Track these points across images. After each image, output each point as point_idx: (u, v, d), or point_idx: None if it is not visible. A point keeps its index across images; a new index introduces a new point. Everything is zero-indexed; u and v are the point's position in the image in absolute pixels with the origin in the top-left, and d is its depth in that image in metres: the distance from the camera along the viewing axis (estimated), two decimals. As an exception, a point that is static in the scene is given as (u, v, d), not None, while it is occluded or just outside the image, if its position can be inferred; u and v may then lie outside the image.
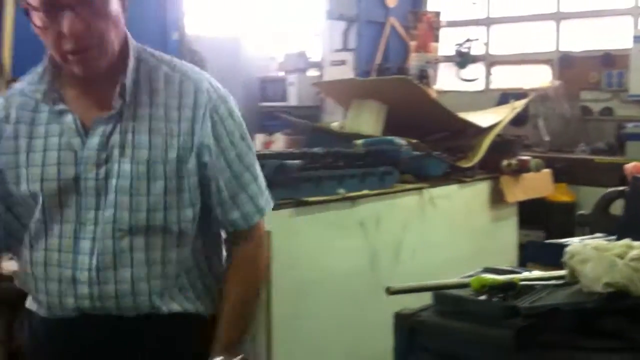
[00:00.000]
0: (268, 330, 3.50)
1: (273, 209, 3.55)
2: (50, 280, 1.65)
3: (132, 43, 1.71)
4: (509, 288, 1.60)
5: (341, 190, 3.74)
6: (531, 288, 1.64)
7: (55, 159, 1.62)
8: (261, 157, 3.61)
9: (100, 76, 1.63)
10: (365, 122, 4.60)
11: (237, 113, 1.78)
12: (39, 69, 1.72)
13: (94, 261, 1.60)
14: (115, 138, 1.62)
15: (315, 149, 3.92)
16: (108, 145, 1.62)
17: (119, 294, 1.61)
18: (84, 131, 1.63)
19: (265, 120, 7.96)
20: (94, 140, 1.62)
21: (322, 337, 3.74)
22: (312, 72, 8.40)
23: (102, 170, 1.61)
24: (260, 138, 7.12)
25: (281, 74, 8.53)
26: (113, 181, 1.61)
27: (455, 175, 4.58)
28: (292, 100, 8.13)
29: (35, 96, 1.67)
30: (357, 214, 3.88)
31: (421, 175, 4.32)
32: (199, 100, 1.68)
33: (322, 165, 3.81)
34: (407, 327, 1.63)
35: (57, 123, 1.64)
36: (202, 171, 1.69)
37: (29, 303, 1.74)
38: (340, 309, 3.83)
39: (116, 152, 1.62)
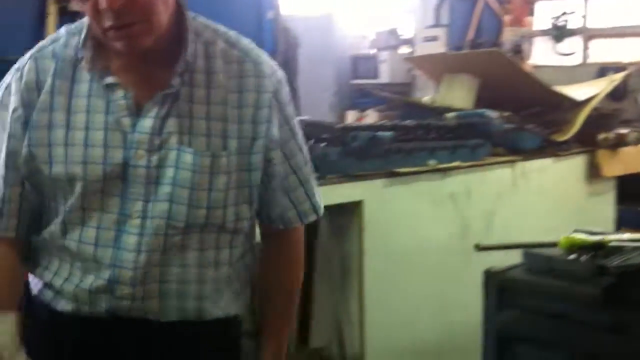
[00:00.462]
0: (360, 299, 3.60)
1: (365, 180, 3.71)
2: (83, 275, 1.44)
3: (188, 14, 1.47)
4: (598, 248, 1.62)
5: (432, 162, 3.79)
6: (620, 249, 1.66)
7: (101, 140, 1.40)
8: (353, 129, 3.74)
9: (151, 51, 1.41)
10: (457, 95, 4.61)
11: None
12: (73, 29, 1.48)
13: (141, 259, 1.40)
14: (172, 122, 1.41)
15: (407, 122, 3.98)
16: (163, 129, 1.41)
17: (165, 296, 1.43)
18: (135, 111, 1.42)
19: (356, 97, 8.04)
20: (147, 123, 1.41)
21: (413, 305, 3.81)
22: (404, 49, 8.39)
23: (155, 158, 1.41)
24: (352, 115, 7.21)
25: (373, 51, 8.56)
26: (169, 171, 1.41)
27: (549, 149, 4.53)
28: (384, 78, 8.16)
29: (75, 62, 1.44)
30: (448, 185, 3.92)
31: (514, 148, 4.30)
32: (262, 83, 1.48)
33: (414, 137, 3.87)
34: (496, 284, 1.68)
35: (102, 97, 1.42)
36: (264, 164, 1.50)
37: (47, 295, 1.50)
38: (431, 279, 3.89)
39: (173, 138, 1.41)
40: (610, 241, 1.66)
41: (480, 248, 1.71)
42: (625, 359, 1.50)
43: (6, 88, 1.47)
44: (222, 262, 1.47)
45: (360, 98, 7.77)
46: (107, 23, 1.33)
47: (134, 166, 1.41)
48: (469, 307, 3.85)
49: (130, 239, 1.40)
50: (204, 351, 1.50)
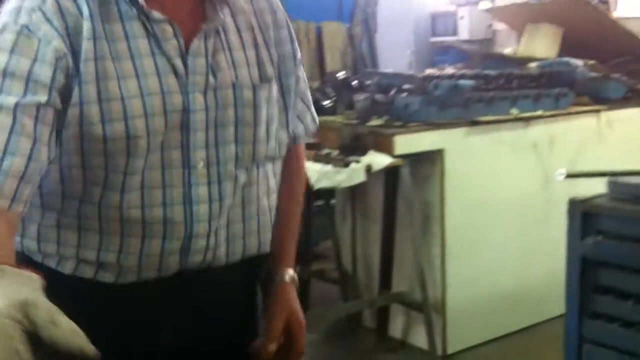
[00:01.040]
0: (442, 246, 3.67)
1: (446, 128, 3.74)
2: (143, 242, 1.26)
3: None
4: (685, 175, 1.64)
5: (514, 111, 3.79)
6: None
7: (158, 87, 1.21)
8: (435, 78, 3.77)
9: None
10: (540, 45, 4.56)
11: None
12: None
13: (214, 209, 1.28)
14: (221, 58, 1.29)
15: (488, 71, 3.97)
16: (214, 67, 1.28)
17: (233, 238, 1.34)
18: (185, 49, 1.25)
19: (436, 55, 7.99)
20: (200, 62, 1.26)
21: (494, 254, 3.85)
22: (484, 5, 8.25)
23: (212, 99, 1.27)
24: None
25: (452, 8, 8.46)
26: (230, 111, 1.29)
27: (635, 99, 4.44)
28: (463, 34, 8.05)
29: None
30: (530, 134, 3.91)
31: (598, 97, 4.23)
32: (272, 2, 1.40)
33: (495, 87, 3.87)
34: (581, 211, 1.72)
35: (146, 37, 1.23)
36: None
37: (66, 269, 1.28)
38: (512, 228, 3.92)
39: (227, 76, 1.29)
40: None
41: (567, 176, 1.75)
42: None
43: (29, 30, 1.16)
44: (272, 190, 1.42)
45: (439, 55, 7.72)
46: None
47: (194, 111, 1.24)
48: (549, 257, 3.87)
49: (199, 191, 1.26)
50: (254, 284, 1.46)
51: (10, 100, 1.10)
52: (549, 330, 3.77)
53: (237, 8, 1.33)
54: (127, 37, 1.21)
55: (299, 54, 1.44)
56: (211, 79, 1.26)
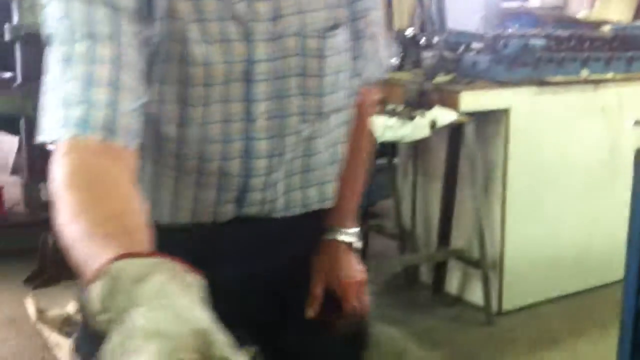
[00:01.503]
0: (503, 206, 3.67)
1: (513, 87, 3.72)
2: (202, 190, 1.21)
3: None
4: None
5: (585, 72, 3.73)
6: None
7: (218, 34, 1.14)
8: (505, 37, 3.74)
9: None
10: (614, 10, 4.46)
11: None
12: None
13: (273, 163, 1.22)
14: (287, 2, 1.18)
15: (560, 31, 3.92)
16: (279, 12, 1.17)
17: (291, 191, 1.28)
18: None
19: (506, 20, 7.85)
20: (263, 7, 1.15)
21: (555, 216, 3.84)
22: (558, -30, 8.05)
23: (278, 48, 1.17)
24: (499, 37, 7.08)
25: (524, -27, 8.28)
26: (294, 60, 1.19)
27: None
28: (534, 1, 7.91)
29: None
30: (599, 98, 3.85)
31: (674, 63, 4.12)
32: None
33: (566, 47, 3.82)
34: (647, 158, 1.74)
35: None
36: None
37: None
38: (575, 192, 3.89)
39: (293, 22, 1.18)
40: None
41: (636, 122, 1.75)
42: None
43: None
44: (339, 141, 1.33)
45: (510, 21, 7.60)
46: None
47: (257, 61, 1.15)
48: (613, 222, 3.83)
49: (260, 145, 1.19)
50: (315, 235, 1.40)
51: (106, 30, 1.01)
52: (608, 294, 3.75)
53: None
54: None
55: None
56: (277, 25, 1.16)
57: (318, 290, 1.36)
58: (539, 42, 3.62)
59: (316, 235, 1.39)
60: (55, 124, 0.96)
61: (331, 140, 1.30)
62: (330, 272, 1.37)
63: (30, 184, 4.81)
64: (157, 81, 1.11)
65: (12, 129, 6.67)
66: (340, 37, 1.23)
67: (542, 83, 3.66)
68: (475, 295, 3.80)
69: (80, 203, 0.87)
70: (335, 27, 1.22)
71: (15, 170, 6.24)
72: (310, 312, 1.35)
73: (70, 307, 3.72)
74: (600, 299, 3.85)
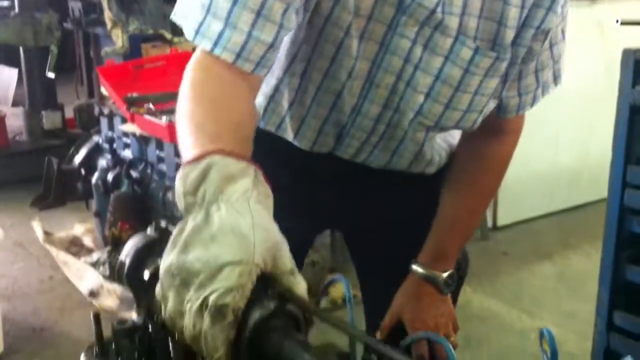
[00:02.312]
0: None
1: None
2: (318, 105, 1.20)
3: None
4: None
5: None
6: None
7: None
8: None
9: None
10: None
11: None
12: None
13: (375, 129, 1.22)
14: (459, 1, 1.10)
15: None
16: (446, 6, 1.09)
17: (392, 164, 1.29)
18: None
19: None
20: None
21: (552, 132, 3.87)
22: None
23: (425, 37, 1.11)
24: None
25: None
26: (436, 60, 1.12)
27: None
28: None
29: None
30: (596, 14, 3.84)
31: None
32: None
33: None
34: (633, 59, 1.77)
35: None
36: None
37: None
38: (572, 108, 3.91)
39: (454, 21, 1.10)
40: None
41: (622, 23, 1.78)
42: None
43: None
44: (444, 147, 1.31)
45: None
46: None
47: (400, 35, 1.09)
48: (608, 140, 3.86)
49: (371, 111, 1.17)
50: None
51: None
52: (601, 209, 3.81)
53: None
54: None
55: (560, 31, 1.18)
56: (436, 16, 1.07)
57: (385, 325, 1.33)
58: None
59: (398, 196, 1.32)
60: (193, 22, 0.97)
61: (439, 144, 1.28)
62: (394, 308, 1.33)
63: (31, 113, 4.86)
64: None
65: (11, 60, 6.70)
66: (496, 62, 1.12)
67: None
68: (471, 211, 3.87)
69: (205, 111, 0.92)
70: (494, 48, 1.11)
71: (16, 102, 6.29)
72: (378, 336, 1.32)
73: (76, 229, 3.83)
74: (592, 214, 3.92)
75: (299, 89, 1.17)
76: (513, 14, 1.09)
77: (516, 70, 1.16)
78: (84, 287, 3.20)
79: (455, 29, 1.09)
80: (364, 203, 1.34)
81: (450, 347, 1.08)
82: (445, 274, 1.30)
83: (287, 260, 0.75)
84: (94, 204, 3.36)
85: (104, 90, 3.46)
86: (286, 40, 1.11)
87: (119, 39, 4.15)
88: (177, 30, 4.35)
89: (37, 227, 3.75)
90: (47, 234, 3.74)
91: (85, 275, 3.27)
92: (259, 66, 0.98)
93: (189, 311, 0.71)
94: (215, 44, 0.95)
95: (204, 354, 0.71)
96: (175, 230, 0.76)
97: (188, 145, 0.86)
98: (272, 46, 0.98)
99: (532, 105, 1.26)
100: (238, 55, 0.96)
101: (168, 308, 0.73)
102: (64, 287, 3.27)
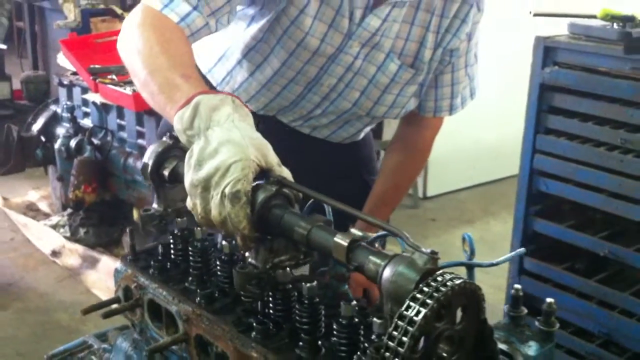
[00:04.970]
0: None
1: None
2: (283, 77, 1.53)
3: None
4: (629, 20, 2.02)
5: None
6: None
7: (330, 20, 1.44)
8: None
9: None
10: None
11: None
12: None
13: (313, 112, 1.57)
14: (394, 27, 1.47)
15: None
16: (384, 31, 1.46)
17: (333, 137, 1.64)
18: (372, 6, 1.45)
19: None
20: (374, 22, 1.45)
21: (474, 113, 4.10)
22: None
23: (365, 52, 1.48)
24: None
25: None
26: (371, 69, 1.50)
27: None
28: None
29: None
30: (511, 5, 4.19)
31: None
32: None
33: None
34: (543, 45, 2.12)
35: None
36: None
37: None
38: (494, 87, 4.19)
39: (387, 43, 1.48)
40: (642, 17, 2.05)
41: (534, 14, 2.11)
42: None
43: None
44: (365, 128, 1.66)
45: None
46: None
47: (345, 52, 1.45)
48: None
49: (313, 98, 1.51)
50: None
51: None
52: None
53: None
54: None
55: (474, 40, 1.53)
56: (376, 38, 1.43)
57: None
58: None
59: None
60: None
61: (360, 124, 1.60)
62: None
63: (-12, 81, 4.93)
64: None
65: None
66: (415, 76, 1.49)
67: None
68: (403, 182, 4.22)
69: (158, 41, 1.15)
70: (414, 67, 1.48)
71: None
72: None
73: (31, 195, 4.00)
74: (511, 186, 4.28)
75: (259, 67, 1.48)
76: (431, 38, 1.47)
77: (430, 79, 1.54)
78: (45, 248, 3.40)
79: (389, 47, 1.45)
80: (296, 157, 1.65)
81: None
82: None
83: (273, 156, 0.99)
84: (54, 170, 3.54)
85: (61, 62, 3.63)
86: (245, 35, 1.43)
87: (71, 12, 4.30)
88: (126, 6, 4.54)
89: (-5, 192, 3.90)
90: (4, 199, 3.89)
91: (46, 237, 3.47)
92: (196, 35, 1.26)
93: (214, 204, 0.95)
94: (166, 6, 1.22)
95: (232, 232, 0.95)
96: (186, 157, 0.99)
97: (165, 88, 1.08)
98: (196, 8, 1.24)
99: (450, 111, 1.63)
100: (182, 21, 1.23)
101: (199, 211, 0.97)
102: (25, 248, 3.46)
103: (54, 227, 3.51)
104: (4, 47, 4.67)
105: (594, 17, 2.07)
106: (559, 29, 2.21)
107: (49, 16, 5.11)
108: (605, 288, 2.10)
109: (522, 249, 1.34)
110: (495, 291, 2.96)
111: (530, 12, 2.09)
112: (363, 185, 1.70)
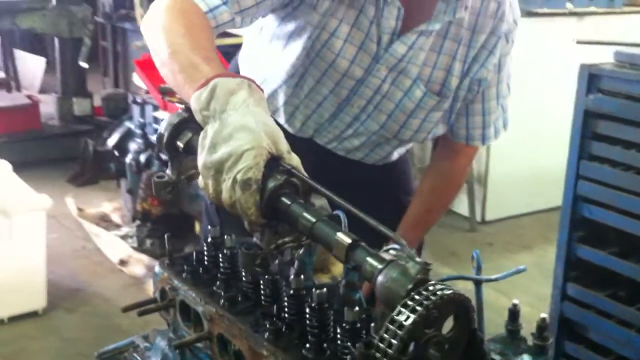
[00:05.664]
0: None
1: None
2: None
3: None
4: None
5: (569, 5, 4.09)
6: None
7: (360, 42, 1.51)
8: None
9: None
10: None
11: None
12: None
13: (346, 132, 1.64)
14: (420, 54, 1.53)
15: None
16: (411, 57, 1.52)
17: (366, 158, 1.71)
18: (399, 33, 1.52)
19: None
20: (400, 49, 1.52)
21: (536, 138, 4.20)
22: None
23: (392, 77, 1.55)
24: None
25: None
26: (398, 94, 1.57)
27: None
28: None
29: None
30: (582, 29, 4.20)
31: (655, -1, 4.47)
32: (498, 26, 1.53)
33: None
34: (587, 72, 2.15)
35: (374, 5, 1.49)
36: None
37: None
38: (555, 116, 4.22)
39: (415, 69, 1.54)
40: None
41: (577, 42, 2.15)
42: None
43: None
44: (405, 148, 1.75)
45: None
46: None
47: (373, 75, 1.52)
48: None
49: (344, 118, 1.59)
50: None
51: None
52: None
53: (457, 18, 1.47)
54: (360, 8, 1.47)
55: (505, 71, 1.57)
56: (402, 64, 1.50)
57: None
58: (528, -22, 3.97)
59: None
60: None
61: (400, 147, 1.69)
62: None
63: (63, 100, 5.24)
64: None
65: (40, 49, 7.10)
66: (440, 102, 1.55)
67: (530, 14, 4.03)
68: (462, 207, 4.26)
69: (184, 24, 1.21)
70: (440, 94, 1.54)
71: (42, 89, 6.67)
72: None
73: (105, 207, 4.22)
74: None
75: (296, 86, 1.56)
76: (458, 67, 1.53)
77: (459, 106, 1.59)
78: (114, 257, 3.60)
79: (415, 74, 1.51)
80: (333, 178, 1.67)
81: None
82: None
83: (284, 143, 1.02)
84: (125, 182, 3.75)
85: (136, 81, 3.85)
86: (284, 63, 1.53)
87: (148, 35, 4.53)
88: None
89: (71, 202, 4.15)
90: (79, 209, 4.13)
91: (115, 246, 3.67)
92: (220, 27, 1.32)
93: (225, 188, 0.99)
94: None
95: (241, 215, 0.99)
96: (200, 137, 1.03)
97: (187, 68, 1.12)
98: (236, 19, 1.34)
99: (482, 141, 1.66)
100: (210, 11, 1.30)
101: (210, 192, 1.02)
102: (96, 256, 3.67)
103: (123, 237, 3.71)
104: (86, 65, 4.95)
105: (638, 45, 2.10)
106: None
107: (129, 37, 5.39)
108: (646, 316, 2.10)
109: (522, 266, 1.38)
110: (531, 310, 2.97)
111: (578, 41, 2.13)
112: (398, 205, 1.76)
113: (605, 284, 2.26)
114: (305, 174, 1.04)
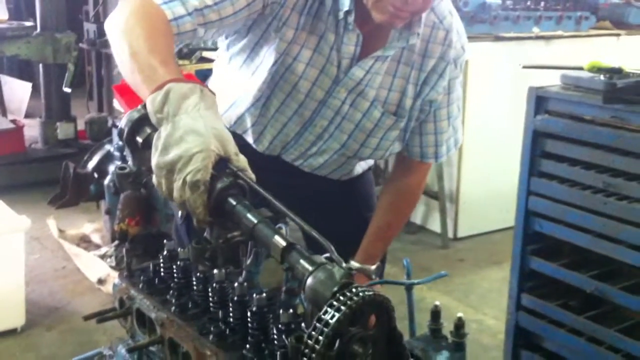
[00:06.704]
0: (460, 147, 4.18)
1: (472, 42, 4.14)
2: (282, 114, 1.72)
3: None
4: (616, 72, 2.15)
5: (536, 29, 4.24)
6: (637, 74, 2.17)
7: (321, 66, 1.62)
8: (466, -4, 4.22)
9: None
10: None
11: None
12: None
13: (309, 151, 1.76)
14: (377, 78, 1.66)
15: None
16: (368, 81, 1.65)
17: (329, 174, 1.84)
18: (358, 58, 1.64)
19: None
20: (359, 73, 1.63)
21: (506, 156, 4.27)
22: None
23: (351, 98, 1.67)
24: None
25: None
26: (357, 115, 1.69)
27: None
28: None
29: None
30: (550, 52, 4.35)
31: (620, 22, 4.62)
32: (446, 52, 1.65)
33: (522, 7, 4.31)
34: (535, 95, 2.27)
35: (334, 33, 1.60)
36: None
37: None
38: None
39: (372, 92, 1.67)
40: (630, 71, 2.18)
41: (524, 66, 2.27)
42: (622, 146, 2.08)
43: None
44: (366, 164, 1.90)
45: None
46: (397, 4, 1.47)
47: (333, 97, 1.64)
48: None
49: (307, 137, 1.70)
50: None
51: None
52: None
53: (409, 44, 1.60)
54: (325, 30, 1.58)
55: (455, 94, 1.71)
56: (360, 87, 1.63)
57: None
58: (496, 2, 4.12)
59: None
60: None
61: (351, 164, 1.80)
62: None
63: (47, 124, 5.33)
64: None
65: (28, 74, 7.20)
66: (397, 122, 1.67)
67: (498, 38, 4.17)
68: (435, 224, 4.37)
69: (147, 27, 1.29)
70: (396, 114, 1.67)
71: (27, 114, 6.76)
72: None
73: (86, 228, 4.31)
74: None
75: (263, 106, 1.67)
76: (411, 89, 1.66)
77: (414, 126, 1.71)
78: (93, 276, 3.68)
79: (373, 96, 1.65)
80: (300, 194, 1.70)
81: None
82: (374, 267, 1.80)
83: (232, 145, 1.10)
84: (104, 204, 3.84)
85: (116, 105, 3.96)
86: (252, 87, 1.64)
87: (129, 60, 4.65)
88: (182, 54, 4.87)
89: (52, 224, 4.23)
90: (60, 230, 4.22)
91: (94, 266, 3.75)
92: (183, 37, 1.42)
93: (176, 188, 1.07)
94: (165, 3, 1.38)
95: (190, 213, 1.09)
96: (154, 138, 1.10)
97: (145, 69, 1.19)
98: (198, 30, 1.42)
99: (435, 159, 1.79)
100: (174, 18, 1.38)
101: (163, 190, 1.11)
102: (75, 275, 3.75)
103: (102, 257, 3.80)
104: (68, 90, 5.05)
105: (581, 69, 2.22)
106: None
107: (113, 62, 5.50)
108: (594, 325, 2.20)
109: (443, 272, 1.50)
110: (497, 322, 3.08)
111: (524, 66, 2.25)
112: (361, 221, 1.89)
113: (557, 294, 2.37)
114: (252, 174, 1.12)
